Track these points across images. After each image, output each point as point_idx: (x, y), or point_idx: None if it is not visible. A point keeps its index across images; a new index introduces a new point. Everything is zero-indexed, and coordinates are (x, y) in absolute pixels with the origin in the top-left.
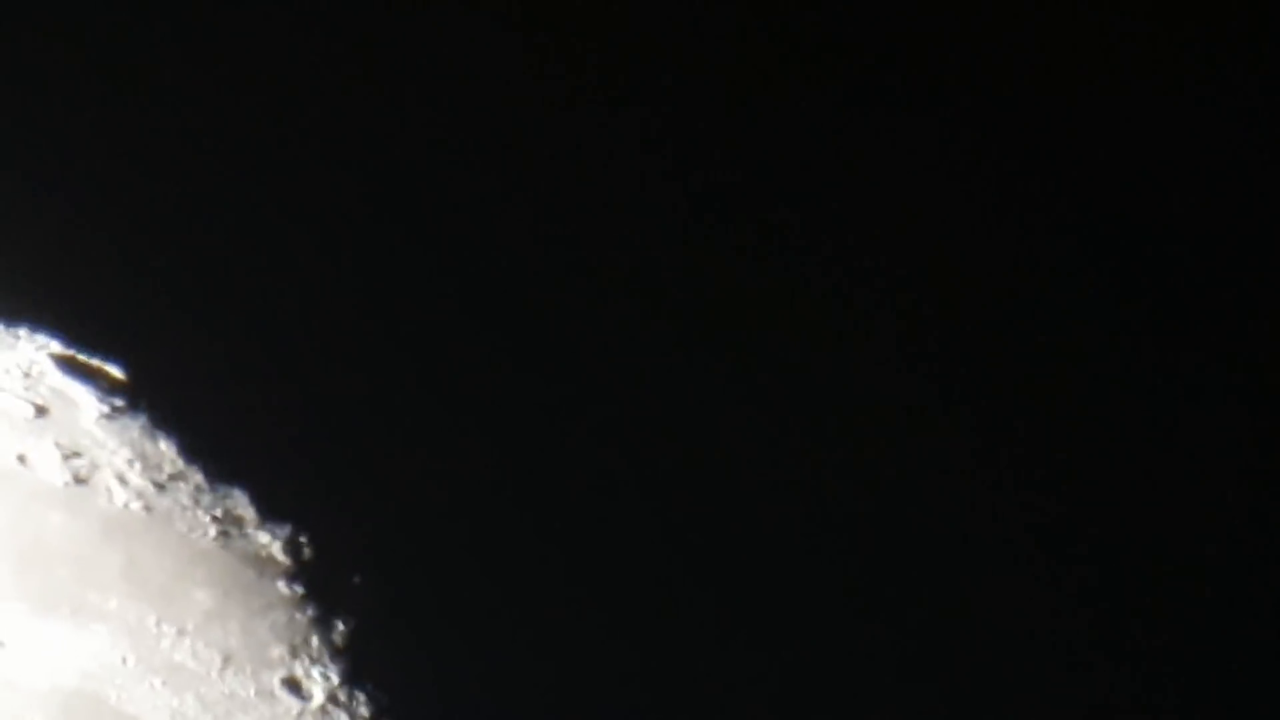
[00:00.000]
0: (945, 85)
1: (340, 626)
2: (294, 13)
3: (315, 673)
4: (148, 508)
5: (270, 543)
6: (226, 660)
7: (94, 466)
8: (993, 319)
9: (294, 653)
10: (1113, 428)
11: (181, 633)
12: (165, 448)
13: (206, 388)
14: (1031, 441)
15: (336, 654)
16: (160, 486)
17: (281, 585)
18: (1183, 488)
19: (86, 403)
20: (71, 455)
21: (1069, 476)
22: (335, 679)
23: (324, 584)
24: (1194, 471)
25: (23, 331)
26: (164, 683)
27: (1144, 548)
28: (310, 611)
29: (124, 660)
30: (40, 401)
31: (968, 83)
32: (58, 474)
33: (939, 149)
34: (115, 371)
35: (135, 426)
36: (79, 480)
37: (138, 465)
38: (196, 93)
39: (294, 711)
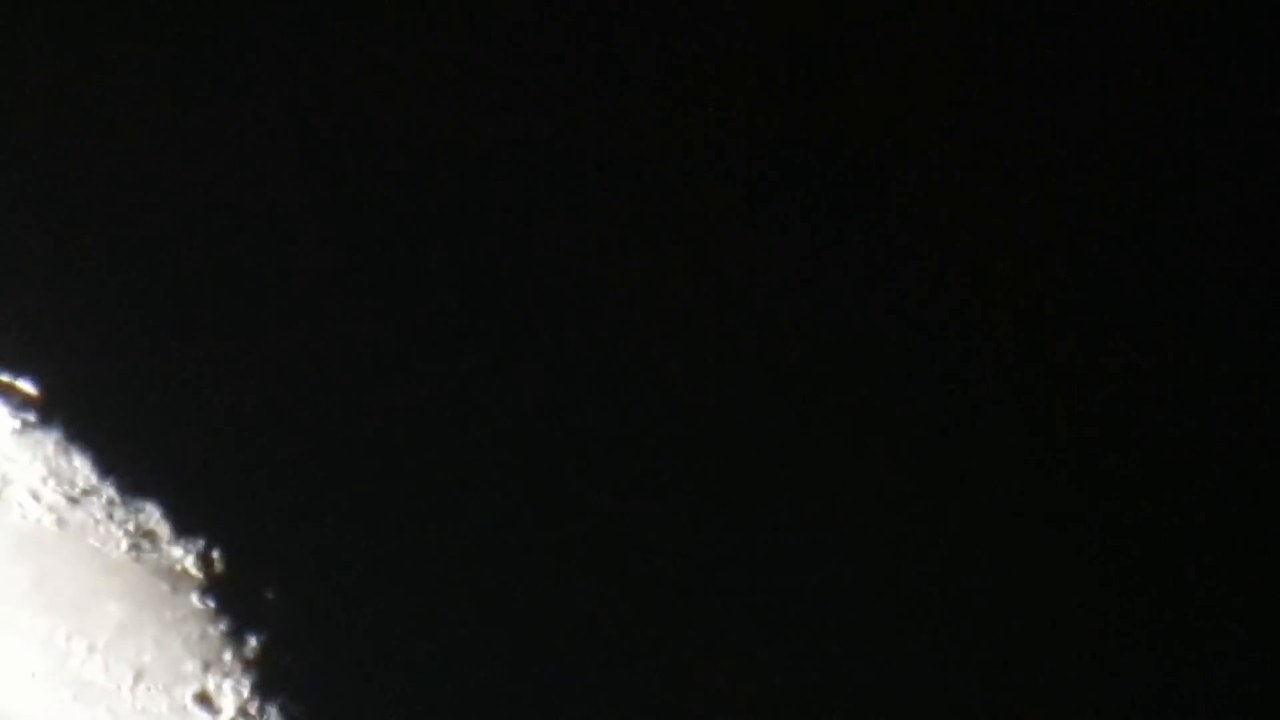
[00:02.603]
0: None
1: (253, 640)
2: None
3: (227, 686)
4: (60, 522)
5: (183, 557)
6: (138, 675)
7: (6, 482)
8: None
9: (206, 667)
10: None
11: (92, 648)
12: (78, 463)
13: (119, 403)
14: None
15: (248, 668)
16: (73, 501)
17: (194, 599)
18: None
19: None
20: None
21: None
22: (246, 693)
23: (237, 598)
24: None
25: None
26: (74, 697)
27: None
28: (223, 626)
29: (33, 675)
30: None
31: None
32: None
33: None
34: (27, 387)
35: (48, 442)
36: None
37: (50, 481)
38: (106, 104)
39: None
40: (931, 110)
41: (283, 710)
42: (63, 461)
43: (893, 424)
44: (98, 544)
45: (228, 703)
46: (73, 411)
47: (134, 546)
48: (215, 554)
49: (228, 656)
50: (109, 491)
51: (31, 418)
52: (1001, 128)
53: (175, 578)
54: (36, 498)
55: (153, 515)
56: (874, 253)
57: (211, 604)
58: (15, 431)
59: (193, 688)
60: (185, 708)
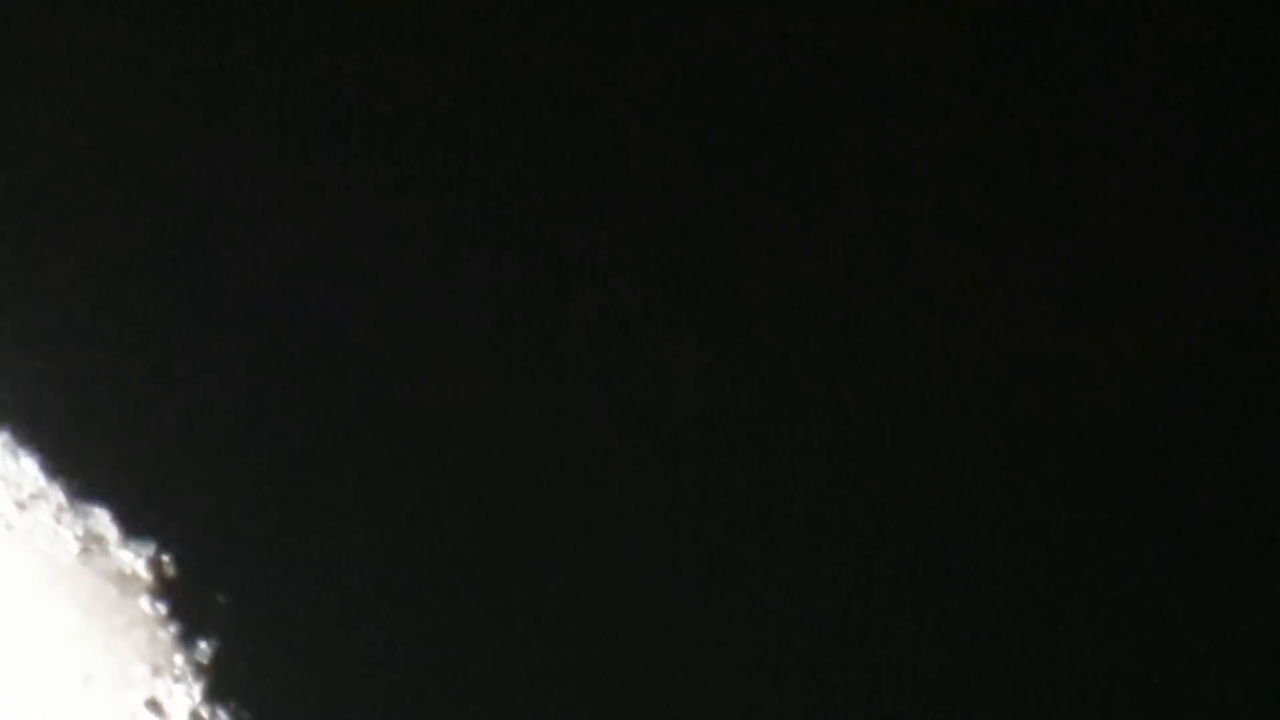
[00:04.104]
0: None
1: (203, 645)
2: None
3: (178, 692)
4: (8, 526)
5: (133, 561)
6: (86, 680)
7: None
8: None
9: (156, 671)
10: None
11: (40, 652)
12: (26, 466)
13: (67, 406)
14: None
15: (199, 672)
16: (21, 506)
17: (144, 603)
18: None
19: None
20: None
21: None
22: (197, 698)
23: (186, 602)
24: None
25: None
26: (23, 703)
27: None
28: (173, 630)
29: None
30: None
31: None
32: None
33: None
34: None
35: None
36: None
37: None
38: (47, 114)
39: None
40: (931, 110)
41: (234, 715)
42: (11, 465)
43: (891, 424)
44: (46, 548)
45: (178, 708)
46: (21, 415)
47: (83, 551)
48: (165, 558)
49: (178, 661)
50: (58, 495)
51: None
52: (999, 128)
53: (125, 582)
54: None
55: (102, 519)
56: (872, 253)
57: (162, 608)
58: None
59: (142, 693)
60: (135, 714)
